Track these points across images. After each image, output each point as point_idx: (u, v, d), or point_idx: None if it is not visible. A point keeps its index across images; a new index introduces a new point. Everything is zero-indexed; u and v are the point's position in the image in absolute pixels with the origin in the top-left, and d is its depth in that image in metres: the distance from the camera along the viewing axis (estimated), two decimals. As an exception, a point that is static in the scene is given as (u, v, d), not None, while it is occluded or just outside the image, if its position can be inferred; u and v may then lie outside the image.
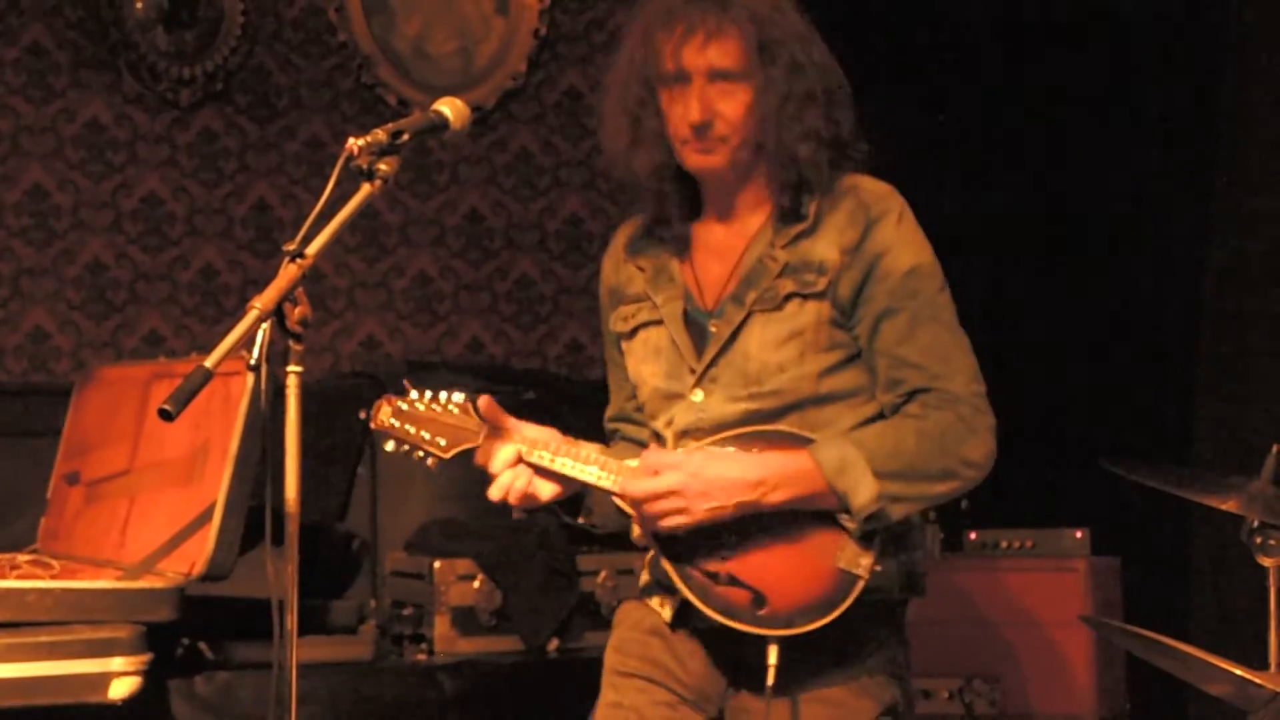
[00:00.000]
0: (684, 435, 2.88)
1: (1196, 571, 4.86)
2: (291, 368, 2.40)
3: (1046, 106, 5.34)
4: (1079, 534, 4.70)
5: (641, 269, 3.00)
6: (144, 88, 5.39)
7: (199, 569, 3.75)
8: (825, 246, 2.84)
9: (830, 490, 2.73)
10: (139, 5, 5.35)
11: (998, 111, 5.45)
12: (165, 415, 2.27)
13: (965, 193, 5.38)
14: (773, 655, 2.74)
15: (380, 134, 2.58)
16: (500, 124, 5.82)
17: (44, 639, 3.57)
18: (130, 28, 5.34)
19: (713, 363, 2.87)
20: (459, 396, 2.87)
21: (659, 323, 2.95)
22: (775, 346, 2.84)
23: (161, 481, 4.03)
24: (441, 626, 4.54)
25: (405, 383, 2.90)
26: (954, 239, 5.34)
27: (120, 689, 3.61)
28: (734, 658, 2.87)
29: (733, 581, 2.77)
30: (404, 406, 2.88)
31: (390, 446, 2.89)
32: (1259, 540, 3.11)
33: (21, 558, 4.11)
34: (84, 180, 5.34)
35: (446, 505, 4.90)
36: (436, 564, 4.56)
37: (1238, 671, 2.93)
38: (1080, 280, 5.31)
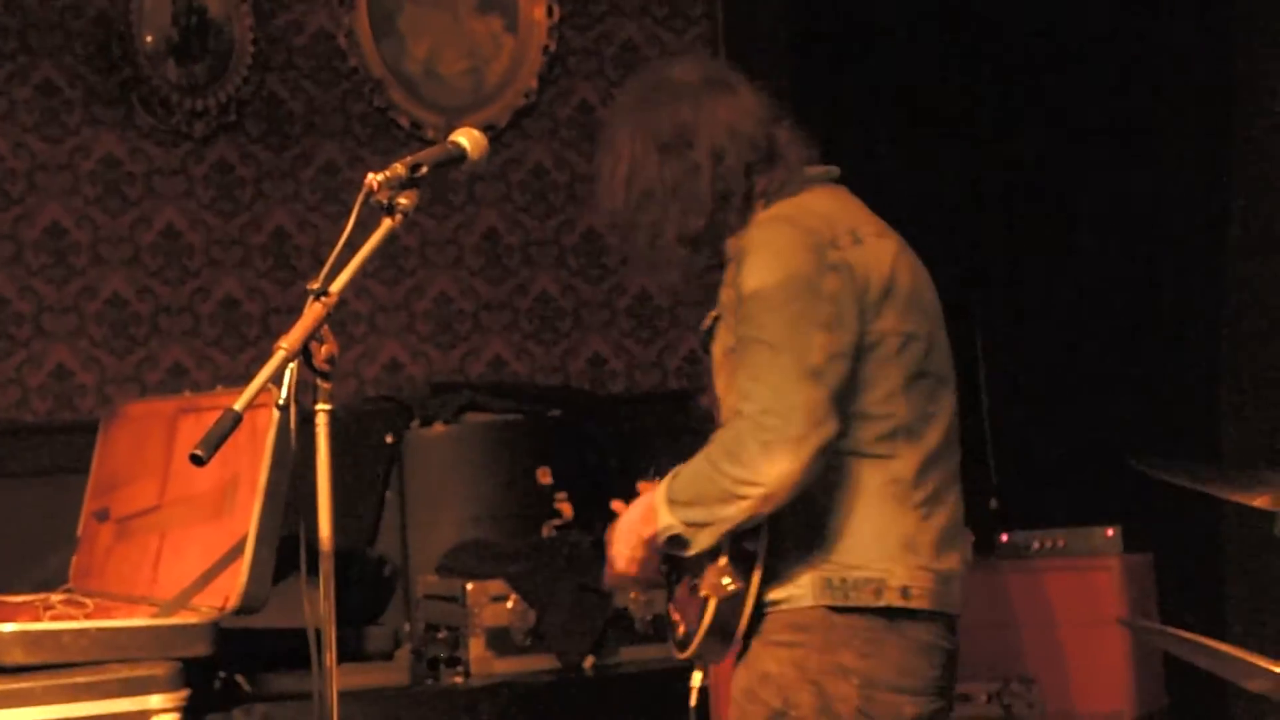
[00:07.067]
0: None
1: (1231, 565, 4.84)
2: (320, 405, 2.41)
3: (1067, 110, 5.31)
4: (1110, 532, 4.68)
5: None
6: (157, 121, 5.40)
7: (233, 602, 3.75)
8: (727, 284, 2.92)
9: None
10: (149, 39, 5.36)
11: (1015, 114, 5.44)
12: (197, 460, 2.28)
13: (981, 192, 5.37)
14: (696, 679, 2.97)
15: (399, 168, 2.59)
16: (514, 142, 5.82)
17: (81, 679, 3.57)
18: (141, 62, 5.35)
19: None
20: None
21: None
22: (724, 375, 2.92)
23: (192, 516, 4.03)
24: (476, 648, 4.53)
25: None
26: (972, 240, 5.36)
27: (160, 726, 3.62)
28: None
29: (668, 617, 3.03)
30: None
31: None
32: (1291, 535, 3.09)
33: (55, 598, 4.12)
34: (101, 216, 5.36)
35: (476, 527, 4.90)
36: (469, 586, 4.55)
37: (1277, 669, 2.91)
38: (1099, 275, 5.29)
